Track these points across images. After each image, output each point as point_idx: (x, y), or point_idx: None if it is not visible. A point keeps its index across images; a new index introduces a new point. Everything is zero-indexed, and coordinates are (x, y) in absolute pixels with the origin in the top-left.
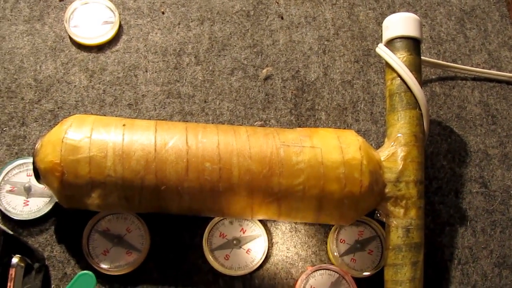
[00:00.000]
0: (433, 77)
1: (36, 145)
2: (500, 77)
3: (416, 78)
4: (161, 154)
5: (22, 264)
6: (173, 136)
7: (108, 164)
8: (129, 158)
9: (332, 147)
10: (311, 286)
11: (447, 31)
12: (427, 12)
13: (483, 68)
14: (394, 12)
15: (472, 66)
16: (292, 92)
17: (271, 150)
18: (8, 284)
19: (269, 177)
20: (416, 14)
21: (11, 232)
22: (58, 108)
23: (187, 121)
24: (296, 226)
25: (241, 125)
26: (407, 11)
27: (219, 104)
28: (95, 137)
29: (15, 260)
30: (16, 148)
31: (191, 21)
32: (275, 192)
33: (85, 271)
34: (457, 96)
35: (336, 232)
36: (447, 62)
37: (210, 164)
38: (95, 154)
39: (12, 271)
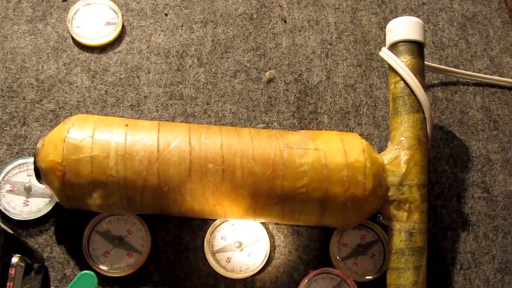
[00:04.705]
0: (435, 82)
1: (38, 144)
2: (502, 82)
3: (419, 82)
4: (164, 154)
5: (22, 264)
6: (176, 136)
7: (110, 164)
8: (131, 158)
9: (335, 150)
10: None
11: (449, 36)
12: (429, 18)
13: (485, 73)
14: (396, 17)
15: (474, 71)
16: (294, 95)
17: (275, 152)
18: (8, 283)
19: (272, 179)
20: None
21: (11, 232)
22: (60, 108)
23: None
24: (298, 229)
25: (244, 127)
26: (410, 16)
27: (222, 106)
28: (98, 136)
29: (15, 259)
30: (16, 147)
31: (194, 23)
32: (278, 195)
33: (86, 271)
34: (459, 101)
35: (338, 235)
36: (449, 67)
37: (213, 165)
38: (97, 154)
39: (12, 271)
